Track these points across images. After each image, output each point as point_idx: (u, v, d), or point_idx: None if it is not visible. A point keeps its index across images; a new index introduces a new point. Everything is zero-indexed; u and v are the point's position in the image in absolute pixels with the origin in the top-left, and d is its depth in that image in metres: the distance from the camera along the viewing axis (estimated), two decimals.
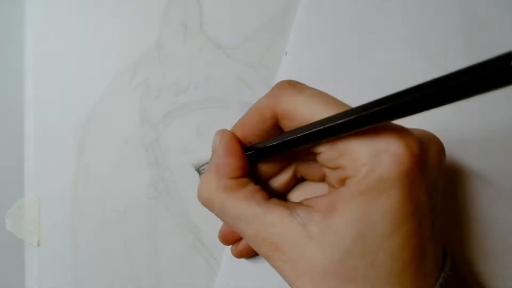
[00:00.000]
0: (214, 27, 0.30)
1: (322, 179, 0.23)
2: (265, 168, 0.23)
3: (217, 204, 0.20)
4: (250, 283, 0.28)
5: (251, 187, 0.20)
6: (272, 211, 0.19)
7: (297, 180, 0.24)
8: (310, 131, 0.18)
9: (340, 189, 0.17)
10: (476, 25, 0.28)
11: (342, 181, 0.18)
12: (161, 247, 0.29)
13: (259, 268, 0.28)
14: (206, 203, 0.21)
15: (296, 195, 0.24)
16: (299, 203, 0.19)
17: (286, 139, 0.19)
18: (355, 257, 0.17)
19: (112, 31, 0.30)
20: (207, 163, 0.29)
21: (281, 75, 0.29)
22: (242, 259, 0.28)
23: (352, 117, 0.16)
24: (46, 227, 0.29)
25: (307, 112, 0.18)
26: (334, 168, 0.18)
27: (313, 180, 0.23)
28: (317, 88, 0.28)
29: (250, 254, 0.25)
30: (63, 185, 0.29)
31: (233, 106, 0.29)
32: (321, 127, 0.17)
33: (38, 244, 0.29)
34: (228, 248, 0.28)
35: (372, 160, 0.16)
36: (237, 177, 0.20)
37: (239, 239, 0.25)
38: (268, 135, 0.21)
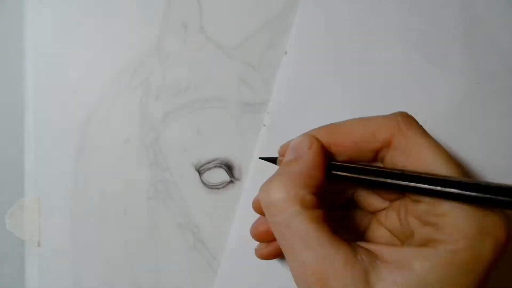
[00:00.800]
0: (214, 27, 0.30)
1: (374, 211, 0.22)
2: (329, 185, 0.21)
3: (286, 214, 0.18)
4: (250, 283, 0.28)
5: (323, 211, 0.18)
6: (339, 245, 0.17)
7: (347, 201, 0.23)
8: (427, 184, 0.16)
9: (421, 249, 0.17)
10: (476, 25, 0.28)
11: (427, 241, 0.17)
12: (161, 247, 0.29)
13: (260, 268, 0.28)
14: (272, 206, 0.19)
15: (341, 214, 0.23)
16: (363, 246, 0.18)
17: (397, 178, 0.18)
18: None
19: (112, 31, 0.30)
20: (207, 163, 0.29)
21: (281, 75, 0.29)
22: (243, 260, 0.28)
23: (480, 195, 0.15)
24: (46, 227, 0.29)
25: (429, 159, 0.17)
26: (426, 223, 0.17)
27: (364, 208, 0.22)
28: (318, 88, 0.28)
29: (274, 257, 0.24)
30: (63, 185, 0.29)
31: (233, 106, 0.29)
32: (451, 190, 0.16)
33: (38, 244, 0.29)
34: (228, 249, 0.28)
35: (476, 236, 0.16)
36: (315, 194, 0.19)
37: (271, 240, 0.23)
38: (361, 156, 0.20)
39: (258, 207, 0.23)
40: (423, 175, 0.17)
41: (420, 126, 0.19)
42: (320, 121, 0.28)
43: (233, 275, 0.28)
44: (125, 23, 0.30)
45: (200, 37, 0.30)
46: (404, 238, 0.20)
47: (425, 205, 0.17)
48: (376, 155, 0.20)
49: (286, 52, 0.29)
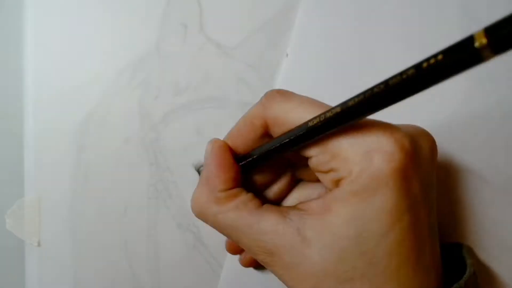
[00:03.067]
0: (214, 27, 0.30)
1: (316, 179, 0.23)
2: (260, 176, 0.23)
3: (209, 216, 0.20)
4: (252, 285, 0.28)
5: (243, 197, 0.20)
6: (265, 218, 0.19)
7: (294, 184, 0.24)
8: (297, 132, 0.18)
9: (333, 191, 0.18)
10: (476, 25, 0.28)
11: (336, 183, 0.18)
12: (161, 247, 0.29)
13: (262, 269, 0.28)
14: (199, 216, 0.21)
15: (293, 199, 0.24)
16: (292, 207, 0.19)
17: (275, 144, 0.19)
18: (353, 257, 0.17)
19: (112, 31, 0.30)
20: None
21: (282, 77, 0.29)
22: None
23: (337, 112, 0.16)
24: (46, 227, 0.29)
25: (296, 117, 0.19)
26: (327, 172, 0.18)
27: (311, 181, 0.23)
28: (319, 90, 0.28)
29: (258, 263, 0.25)
30: (63, 185, 0.29)
31: (233, 106, 0.29)
32: (307, 127, 0.17)
33: (38, 244, 0.29)
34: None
35: (363, 159, 0.17)
36: (229, 189, 0.20)
37: (241, 250, 0.25)
38: (259, 144, 0.21)
39: (230, 250, 0.26)
40: (292, 129, 0.18)
41: (284, 94, 0.20)
42: None
43: (235, 276, 0.28)
44: (124, 23, 0.30)
45: (200, 37, 0.30)
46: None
47: (316, 158, 0.18)
48: (270, 138, 0.21)
49: (287, 55, 0.29)
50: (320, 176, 0.19)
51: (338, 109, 0.16)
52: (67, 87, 0.30)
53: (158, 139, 0.29)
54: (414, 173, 0.17)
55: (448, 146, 0.28)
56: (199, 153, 0.29)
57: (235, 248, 0.25)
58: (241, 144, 0.22)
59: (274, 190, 0.23)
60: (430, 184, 0.18)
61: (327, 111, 0.17)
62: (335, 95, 0.29)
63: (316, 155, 0.18)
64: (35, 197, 0.29)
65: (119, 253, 0.29)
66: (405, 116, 0.28)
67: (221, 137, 0.29)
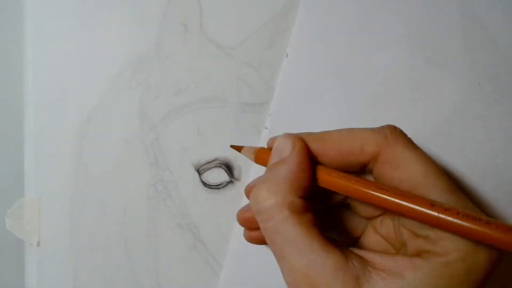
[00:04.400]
0: (214, 27, 0.30)
1: (369, 217, 0.21)
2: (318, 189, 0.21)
3: (276, 219, 0.18)
4: (253, 284, 0.28)
5: (312, 215, 0.18)
6: (330, 251, 0.17)
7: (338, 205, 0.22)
8: (427, 211, 0.16)
9: (414, 259, 0.16)
10: (476, 26, 0.28)
11: (420, 252, 0.17)
12: (161, 247, 0.29)
13: (263, 269, 0.28)
14: (262, 213, 0.18)
15: (335, 217, 0.23)
16: (354, 252, 0.18)
17: (391, 199, 0.17)
18: None
19: (112, 31, 0.30)
20: (207, 163, 0.29)
21: (282, 77, 0.29)
22: (245, 262, 0.28)
23: (474, 226, 0.15)
24: (46, 227, 0.29)
25: (417, 172, 0.17)
26: (420, 236, 0.17)
27: (359, 214, 0.22)
28: (319, 90, 0.28)
29: (262, 242, 0.23)
30: (63, 185, 0.29)
31: (233, 106, 0.29)
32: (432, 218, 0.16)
33: (38, 244, 0.29)
34: (230, 250, 0.28)
35: (469, 249, 0.16)
36: (303, 197, 0.18)
37: (256, 228, 0.22)
38: (348, 167, 0.19)
39: (241, 221, 0.23)
40: (413, 197, 0.17)
41: (408, 139, 0.19)
42: (322, 124, 0.28)
43: (236, 276, 0.28)
44: (125, 23, 0.30)
45: (200, 37, 0.30)
46: (398, 247, 0.20)
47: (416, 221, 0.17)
48: (364, 167, 0.20)
49: (287, 55, 0.29)
50: (407, 234, 0.18)
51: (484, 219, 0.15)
52: (67, 88, 0.30)
53: (158, 139, 0.29)
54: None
55: (448, 146, 0.28)
56: (199, 153, 0.29)
57: (249, 226, 0.23)
58: (329, 155, 0.19)
59: (322, 205, 0.22)
60: None
61: (474, 216, 0.15)
62: (335, 95, 0.29)
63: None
64: (35, 197, 0.29)
65: (119, 253, 0.29)
66: (405, 116, 0.28)
67: (220, 137, 0.29)
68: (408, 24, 0.29)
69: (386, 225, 0.20)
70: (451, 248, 0.16)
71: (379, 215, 0.21)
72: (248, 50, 0.29)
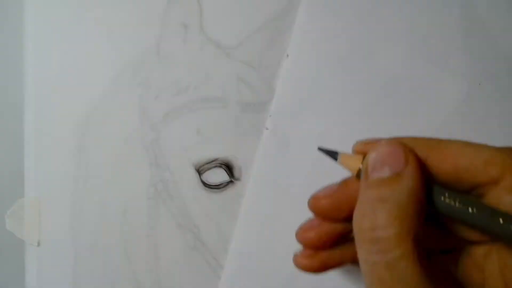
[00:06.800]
0: (214, 27, 0.30)
1: (470, 240, 0.18)
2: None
3: (394, 253, 0.14)
4: (254, 285, 0.28)
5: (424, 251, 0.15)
6: None
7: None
8: None
9: None
10: (476, 26, 0.28)
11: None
12: (161, 247, 0.29)
13: (264, 270, 0.28)
14: (377, 243, 0.15)
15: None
16: None
17: None
18: None
19: (112, 31, 0.30)
20: (207, 163, 0.29)
21: (282, 77, 0.29)
22: (244, 263, 0.28)
23: None
24: (46, 227, 0.29)
25: None
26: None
27: (457, 234, 0.18)
28: (320, 90, 0.28)
29: (314, 271, 0.20)
30: (63, 185, 0.29)
31: (233, 106, 0.29)
32: None
33: (38, 244, 0.29)
34: (230, 250, 0.28)
35: None
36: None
37: (321, 247, 0.19)
38: (457, 187, 0.16)
39: (316, 207, 0.19)
40: None
41: None
42: (323, 124, 0.28)
43: (237, 277, 0.28)
44: (125, 23, 0.30)
45: (200, 37, 0.30)
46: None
47: None
48: (475, 189, 0.16)
49: (287, 55, 0.29)
50: (498, 273, 0.15)
51: None
52: (67, 87, 0.30)
53: (158, 139, 0.29)
54: None
55: None
56: (199, 153, 0.29)
57: (311, 243, 0.19)
58: (439, 169, 0.16)
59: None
60: None
61: None
62: (335, 95, 0.29)
63: None
64: (35, 197, 0.29)
65: (119, 253, 0.29)
66: (405, 116, 0.28)
67: (220, 137, 0.29)
68: (408, 24, 0.29)
69: (498, 256, 0.17)
70: None
71: (482, 242, 0.18)
72: (248, 50, 0.29)
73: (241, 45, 0.30)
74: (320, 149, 0.20)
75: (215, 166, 0.29)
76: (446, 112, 0.28)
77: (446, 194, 0.16)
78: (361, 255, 0.16)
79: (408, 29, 0.29)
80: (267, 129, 0.29)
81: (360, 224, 0.16)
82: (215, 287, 0.28)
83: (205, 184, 0.29)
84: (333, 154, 0.19)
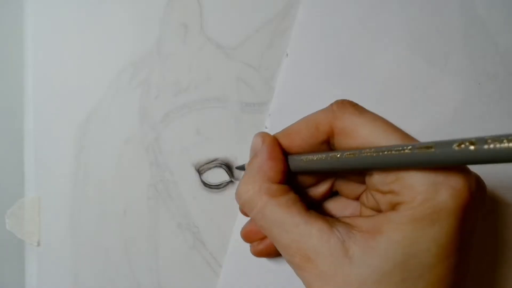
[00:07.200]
0: (214, 27, 0.30)
1: (356, 198, 0.23)
2: (302, 178, 0.23)
3: (258, 206, 0.20)
4: (252, 284, 0.28)
5: (292, 195, 0.20)
6: (312, 222, 0.19)
7: (332, 193, 0.24)
8: (373, 159, 0.17)
9: (388, 213, 0.18)
10: (476, 25, 0.28)
11: (392, 206, 0.18)
12: (161, 247, 0.29)
13: (262, 269, 0.28)
14: (246, 205, 0.21)
15: (330, 207, 0.24)
16: (338, 220, 0.19)
17: (345, 164, 0.18)
18: (393, 282, 0.17)
19: (112, 31, 0.30)
20: (207, 163, 0.29)
21: (282, 77, 0.29)
22: (244, 263, 0.28)
23: (419, 157, 0.15)
24: (46, 227, 0.29)
25: (367, 134, 0.18)
26: (386, 192, 0.18)
27: (347, 197, 0.23)
28: (318, 88, 0.28)
29: (270, 255, 0.25)
30: (63, 185, 0.29)
31: (233, 106, 0.29)
32: (386, 157, 0.17)
33: (38, 244, 0.29)
34: (229, 251, 0.28)
35: (429, 189, 0.16)
36: (280, 182, 0.20)
37: (262, 238, 0.25)
38: (315, 149, 0.21)
39: (243, 210, 0.25)
40: (366, 151, 0.18)
41: (356, 107, 0.20)
42: None
43: (235, 276, 0.28)
44: (125, 23, 0.30)
45: (200, 37, 0.30)
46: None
47: (378, 176, 0.18)
48: (328, 145, 0.21)
49: (287, 54, 0.29)
50: (376, 195, 0.19)
51: (431, 149, 0.15)
52: (67, 87, 0.30)
53: (158, 139, 0.29)
54: (472, 215, 0.17)
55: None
56: (199, 153, 0.29)
57: (252, 237, 0.25)
58: (295, 144, 0.21)
59: (312, 193, 0.23)
60: (474, 230, 0.18)
61: (417, 147, 0.16)
62: (335, 95, 0.29)
63: (379, 174, 0.18)
64: (35, 197, 0.29)
65: (119, 253, 0.29)
66: (405, 116, 0.28)
67: (220, 137, 0.29)
68: (408, 24, 0.29)
69: (368, 197, 0.22)
70: (414, 194, 0.17)
71: (364, 191, 0.22)
72: (248, 50, 0.29)
73: (241, 45, 0.30)
74: (237, 168, 0.28)
75: (215, 166, 0.29)
76: (445, 111, 0.28)
77: (295, 158, 0.21)
78: (250, 217, 0.21)
79: (408, 29, 0.29)
80: (266, 128, 0.29)
81: (236, 196, 0.21)
82: (215, 287, 0.28)
83: (205, 184, 0.29)
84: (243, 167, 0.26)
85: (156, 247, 0.29)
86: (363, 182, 0.21)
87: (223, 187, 0.29)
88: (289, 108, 0.29)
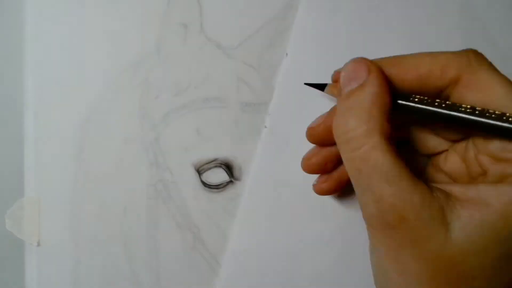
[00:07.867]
0: (214, 27, 0.30)
1: (430, 154, 0.21)
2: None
3: (366, 146, 0.17)
4: (252, 284, 0.28)
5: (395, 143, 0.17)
6: (417, 182, 0.17)
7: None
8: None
9: (499, 186, 0.16)
10: (476, 26, 0.28)
11: (503, 178, 0.16)
12: (161, 247, 0.29)
13: (262, 269, 0.28)
14: (351, 142, 0.18)
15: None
16: (436, 186, 0.18)
17: (481, 121, 0.16)
18: (490, 257, 0.16)
19: (112, 31, 0.30)
20: (207, 163, 0.29)
21: (282, 76, 0.29)
22: (244, 263, 0.28)
23: None
24: (46, 227, 0.29)
25: (503, 94, 0.17)
26: (500, 160, 0.17)
27: (420, 151, 0.21)
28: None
29: (334, 192, 0.23)
30: (63, 185, 0.29)
31: (233, 106, 0.29)
32: None
33: (38, 244, 0.29)
34: (229, 250, 0.28)
35: None
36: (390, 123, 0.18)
37: (325, 171, 0.22)
38: (423, 93, 0.18)
39: (312, 135, 0.22)
40: (499, 114, 0.16)
41: (491, 63, 0.18)
42: None
43: (235, 276, 0.28)
44: (125, 23, 0.30)
45: (200, 37, 0.30)
46: (476, 176, 0.19)
47: (499, 142, 0.17)
48: (441, 92, 0.19)
49: (287, 54, 0.29)
50: (485, 159, 0.17)
51: None
52: (67, 87, 0.30)
53: (158, 139, 0.29)
54: None
55: None
56: (199, 153, 0.29)
57: (316, 168, 0.22)
58: (407, 79, 0.18)
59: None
60: None
61: None
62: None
63: (502, 140, 0.17)
64: (35, 197, 0.29)
65: (119, 253, 0.29)
66: None
67: (220, 137, 0.29)
68: (408, 24, 0.29)
69: (451, 159, 0.20)
70: None
71: (443, 151, 0.20)
72: (248, 50, 0.29)
73: (241, 45, 0.30)
74: (306, 84, 0.23)
75: (215, 166, 0.29)
76: None
77: (412, 97, 0.18)
78: (342, 155, 0.18)
79: (408, 29, 0.29)
80: (265, 127, 0.29)
81: (336, 132, 0.18)
82: (215, 287, 0.28)
83: (205, 184, 0.29)
84: (321, 86, 0.23)
85: (156, 247, 0.29)
86: (451, 139, 0.19)
87: (223, 187, 0.29)
88: (289, 108, 0.29)
